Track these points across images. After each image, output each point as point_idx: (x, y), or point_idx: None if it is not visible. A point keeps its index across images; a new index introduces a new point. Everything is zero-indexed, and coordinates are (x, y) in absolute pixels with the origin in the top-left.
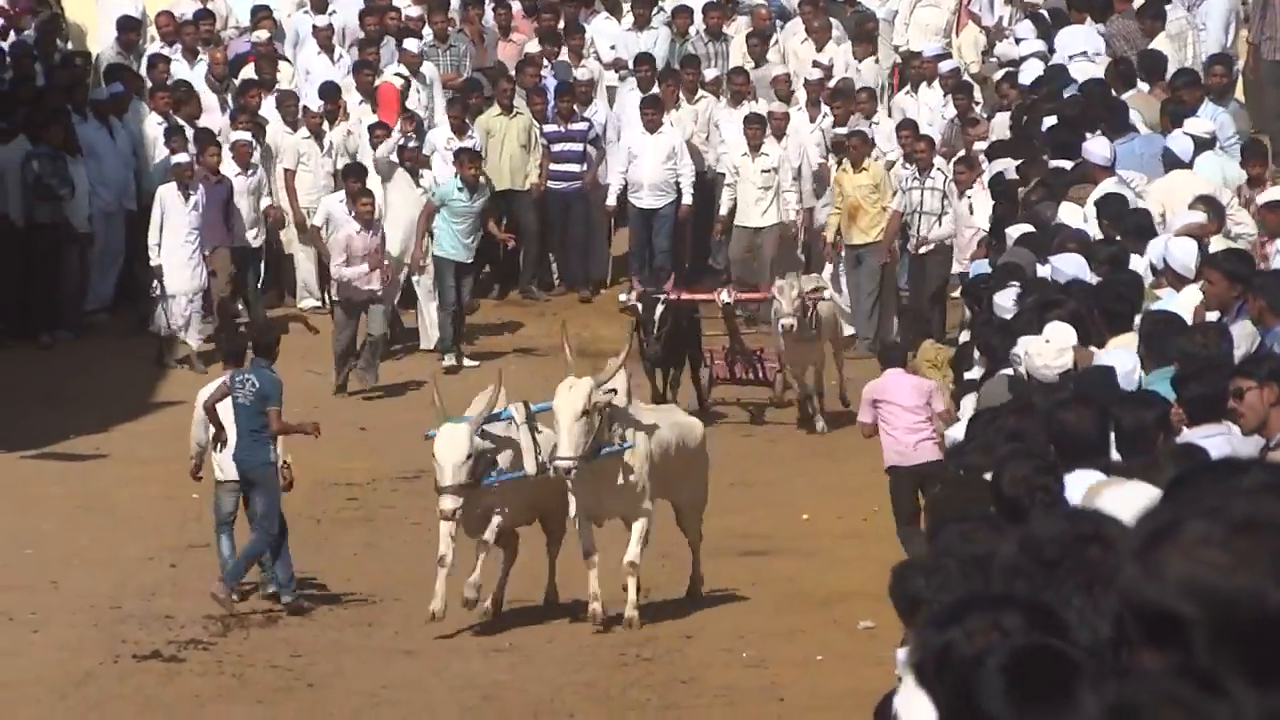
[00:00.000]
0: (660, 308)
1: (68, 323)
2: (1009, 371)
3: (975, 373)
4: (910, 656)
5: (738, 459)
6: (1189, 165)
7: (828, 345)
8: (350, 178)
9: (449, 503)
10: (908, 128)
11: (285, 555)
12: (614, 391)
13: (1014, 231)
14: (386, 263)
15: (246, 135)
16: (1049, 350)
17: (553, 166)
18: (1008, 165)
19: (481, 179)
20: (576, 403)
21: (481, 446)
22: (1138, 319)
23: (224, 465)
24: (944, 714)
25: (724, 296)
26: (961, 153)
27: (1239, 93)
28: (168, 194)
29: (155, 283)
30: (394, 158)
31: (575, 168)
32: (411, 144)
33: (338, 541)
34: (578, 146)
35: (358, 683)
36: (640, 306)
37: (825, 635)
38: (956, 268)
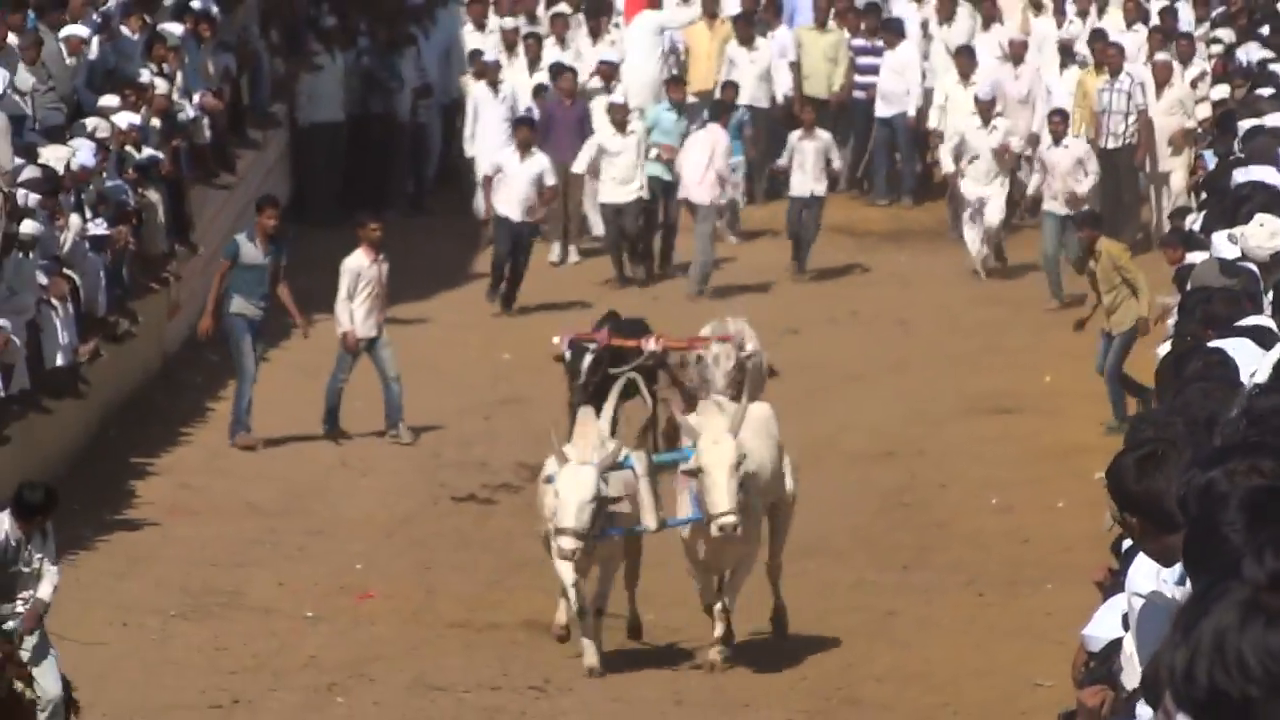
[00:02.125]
0: (589, 357)
1: (393, 205)
2: (1222, 254)
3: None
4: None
5: (986, 325)
6: None
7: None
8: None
9: (569, 543)
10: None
11: (237, 397)
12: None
13: (1244, 125)
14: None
15: (613, 56)
16: (1261, 233)
17: (856, 78)
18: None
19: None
20: (729, 455)
21: (605, 493)
22: None
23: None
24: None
25: (651, 345)
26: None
27: None
28: (478, 89)
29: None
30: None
31: (872, 79)
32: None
33: None
34: (877, 60)
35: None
36: (569, 354)
37: (1065, 484)
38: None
